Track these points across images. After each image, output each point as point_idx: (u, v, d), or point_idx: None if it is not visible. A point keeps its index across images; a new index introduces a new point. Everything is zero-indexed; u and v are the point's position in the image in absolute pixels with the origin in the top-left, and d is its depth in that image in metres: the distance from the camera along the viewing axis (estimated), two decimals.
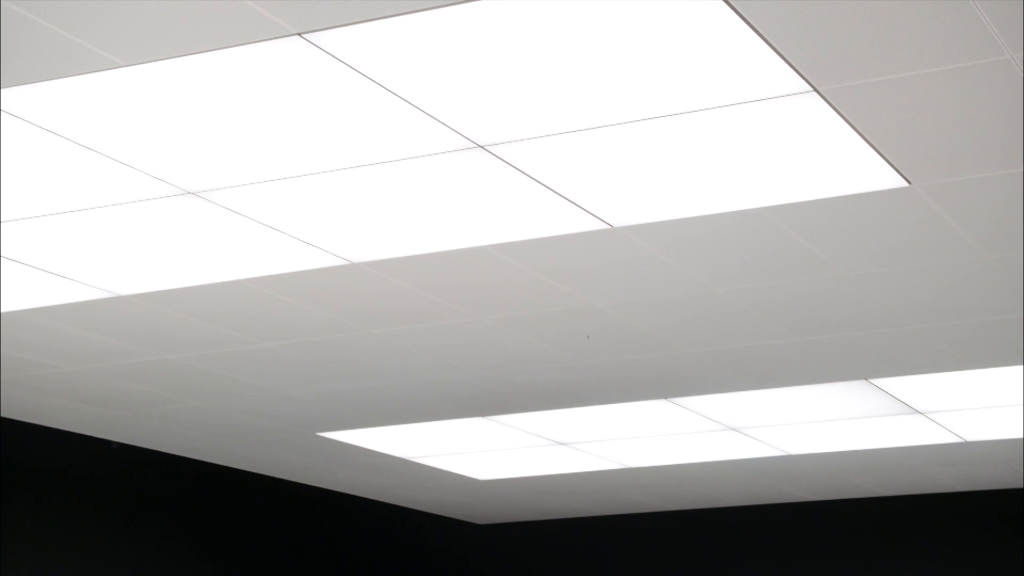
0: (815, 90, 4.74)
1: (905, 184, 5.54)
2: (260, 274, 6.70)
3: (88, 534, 10.13)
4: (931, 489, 11.91)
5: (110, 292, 6.96)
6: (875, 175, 5.45)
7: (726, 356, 8.08)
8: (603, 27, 4.32)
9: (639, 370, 8.38)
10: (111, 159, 5.34)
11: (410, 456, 10.70)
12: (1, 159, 5.33)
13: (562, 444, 10.30)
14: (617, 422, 9.67)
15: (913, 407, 9.15)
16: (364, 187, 5.62)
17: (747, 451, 10.43)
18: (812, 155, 5.27)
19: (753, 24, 4.30)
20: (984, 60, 4.54)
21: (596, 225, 6.05)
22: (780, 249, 6.32)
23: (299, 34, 4.40)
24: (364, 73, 4.63)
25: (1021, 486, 11.67)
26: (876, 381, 8.58)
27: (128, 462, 10.35)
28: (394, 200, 5.76)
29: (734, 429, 9.82)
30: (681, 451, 10.51)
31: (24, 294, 6.99)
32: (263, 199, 5.75)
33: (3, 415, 9.30)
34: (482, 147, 5.24)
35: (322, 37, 4.41)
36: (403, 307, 7.20)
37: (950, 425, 9.58)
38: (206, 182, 5.58)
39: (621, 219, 5.97)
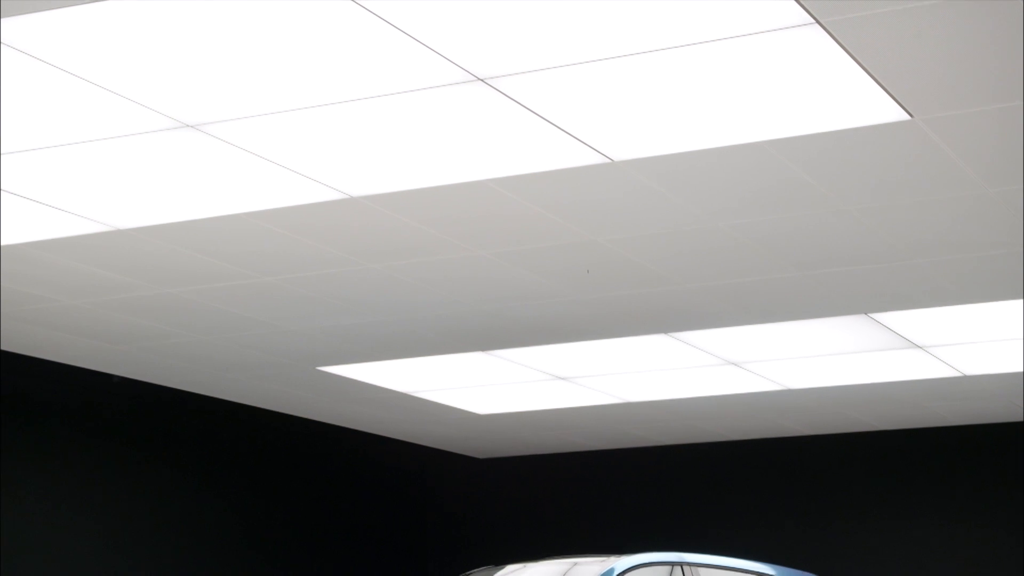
0: (817, 22, 4.71)
1: (907, 117, 5.52)
2: (259, 208, 6.69)
3: (89, 467, 10.17)
4: (930, 423, 11.95)
5: (110, 226, 6.95)
6: (877, 108, 5.43)
7: (726, 290, 8.09)
8: None
9: (639, 305, 8.39)
10: (110, 92, 5.32)
11: (410, 390, 10.73)
12: (1, 92, 5.32)
13: (562, 379, 10.32)
14: (617, 357, 9.69)
15: (913, 341, 9.17)
16: (364, 120, 5.60)
17: (747, 385, 10.46)
18: (814, 88, 5.25)
19: None
20: None
21: (596, 159, 6.03)
22: (781, 183, 6.30)
23: None
24: (364, 5, 4.60)
25: (1020, 419, 11.71)
26: (876, 315, 8.59)
27: (129, 395, 10.38)
28: (394, 134, 5.75)
29: (734, 363, 9.84)
30: (681, 385, 10.53)
31: (24, 227, 6.98)
32: (262, 132, 5.73)
33: (4, 348, 9.32)
34: (482, 80, 5.22)
35: None
36: (403, 241, 7.20)
37: (949, 359, 9.60)
38: (205, 115, 5.56)
39: (621, 153, 5.95)
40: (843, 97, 5.32)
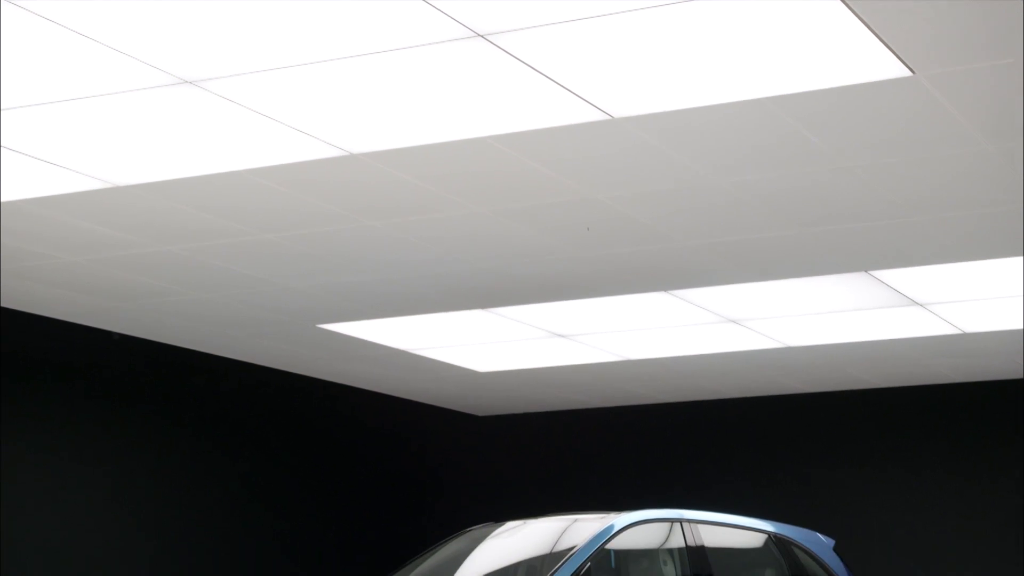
0: None
1: (908, 74, 5.50)
2: (259, 165, 6.68)
3: (89, 423, 10.19)
4: (930, 380, 11.97)
5: (109, 183, 6.94)
6: (878, 65, 5.41)
7: (726, 248, 8.08)
8: None
9: (639, 262, 8.39)
10: (109, 47, 5.30)
11: (410, 348, 10.74)
12: (1, 47, 5.30)
13: (561, 336, 10.33)
14: (616, 314, 9.69)
15: (912, 299, 9.17)
16: (363, 77, 5.58)
17: (746, 343, 10.47)
18: (815, 44, 5.23)
19: None
20: None
21: (596, 116, 6.01)
22: (782, 140, 6.29)
23: None
24: None
25: (1019, 376, 11.72)
26: (876, 273, 8.58)
27: (129, 353, 10.39)
28: (393, 90, 5.73)
29: (734, 321, 9.85)
30: (680, 343, 10.54)
31: (23, 184, 6.97)
32: (262, 88, 5.72)
33: (4, 305, 9.32)
34: (482, 36, 5.20)
35: None
36: (403, 199, 7.19)
37: (949, 317, 9.60)
38: (204, 71, 5.54)
39: (621, 110, 5.94)
40: (845, 53, 5.30)
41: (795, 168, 6.67)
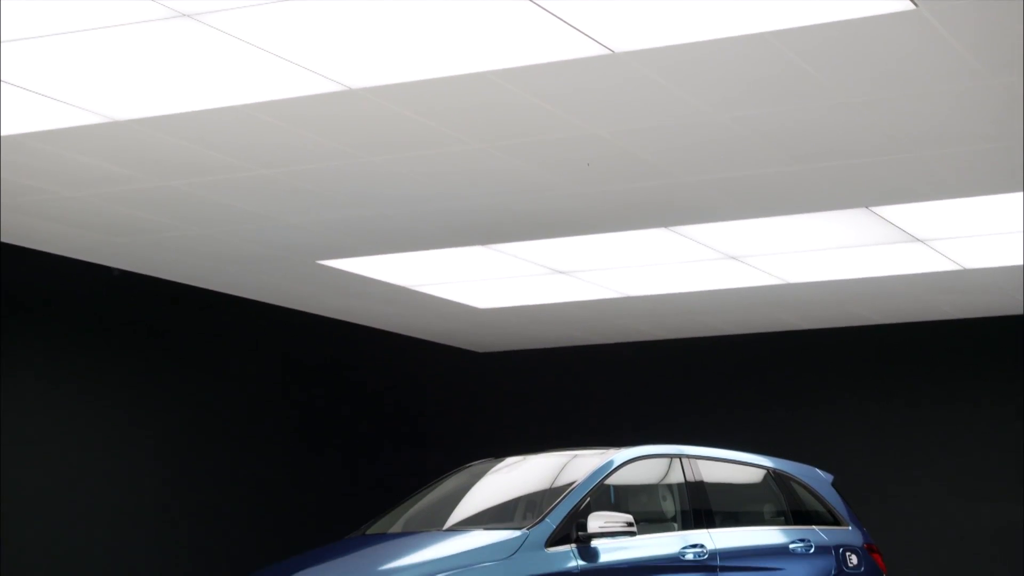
0: None
1: (911, 7, 5.47)
2: (258, 100, 6.66)
3: (89, 359, 10.21)
4: (930, 316, 11.97)
5: (107, 117, 6.92)
6: None
7: (727, 184, 8.07)
8: None
9: (639, 198, 8.37)
10: None
11: (410, 284, 10.74)
12: None
13: (562, 273, 10.33)
14: (617, 251, 9.69)
15: (913, 235, 9.16)
16: (362, 10, 5.55)
17: (747, 279, 10.47)
18: None
19: None
20: None
21: (597, 51, 5.99)
22: (782, 75, 6.26)
23: None
24: None
25: (1019, 312, 11.73)
26: (876, 209, 8.57)
27: (129, 288, 10.39)
28: (392, 24, 5.70)
29: (734, 258, 9.84)
30: (680, 280, 10.54)
31: (21, 118, 6.95)
32: (260, 22, 5.69)
33: (4, 241, 9.31)
34: None
35: None
36: (402, 134, 7.17)
37: (949, 253, 9.60)
38: (201, 4, 5.51)
39: (622, 44, 5.91)
40: None
41: (796, 103, 6.65)
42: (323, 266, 10.11)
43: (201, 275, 10.41)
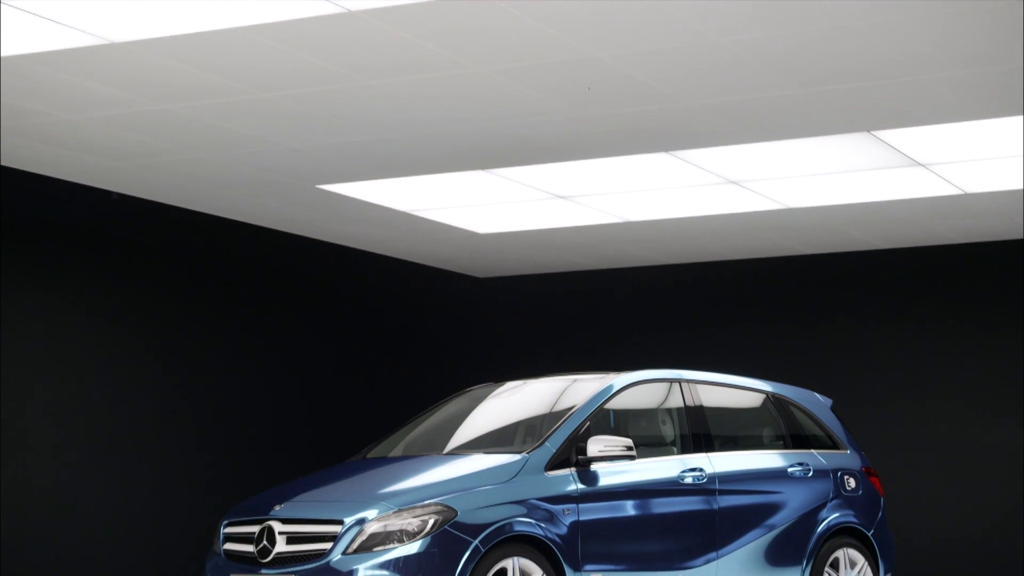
0: None
1: None
2: (257, 22, 6.62)
3: (87, 283, 10.21)
4: (931, 241, 11.96)
5: (105, 39, 6.88)
6: None
7: (728, 108, 8.04)
8: None
9: (640, 122, 8.34)
10: None
11: (410, 209, 10.72)
12: None
13: (562, 198, 10.31)
14: (617, 175, 9.66)
15: (914, 159, 9.14)
16: None
17: (747, 204, 10.45)
18: None
19: None
20: None
21: None
22: None
23: None
24: None
25: (1019, 237, 11.72)
26: (878, 133, 8.55)
27: (128, 213, 10.37)
28: None
29: (734, 182, 9.82)
30: (681, 205, 10.52)
31: (19, 40, 6.91)
32: None
33: (3, 164, 9.29)
34: None
35: None
36: (402, 57, 7.14)
37: (951, 177, 9.58)
38: None
39: None
40: None
41: (797, 26, 6.61)
42: (323, 190, 10.09)
43: (200, 199, 10.39)
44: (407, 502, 7.04)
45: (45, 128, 8.43)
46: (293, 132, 8.55)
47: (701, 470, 8.12)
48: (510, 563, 7.12)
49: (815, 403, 9.24)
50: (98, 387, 10.16)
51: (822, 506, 8.67)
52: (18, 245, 9.63)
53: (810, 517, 8.59)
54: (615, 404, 8.07)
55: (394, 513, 6.98)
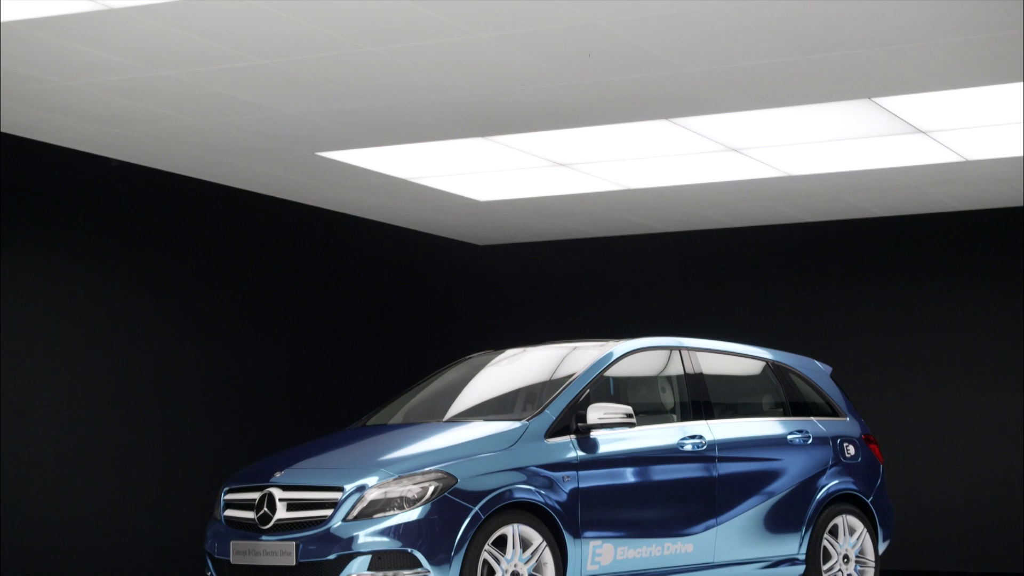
0: None
1: None
2: None
3: (87, 250, 10.20)
4: (931, 209, 11.96)
5: (104, 5, 6.85)
6: None
7: (728, 75, 8.02)
8: None
9: (640, 89, 8.33)
10: None
11: (410, 177, 10.71)
12: None
13: (562, 165, 10.30)
14: (617, 143, 9.65)
15: (915, 126, 9.12)
16: None
17: (748, 172, 10.44)
18: None
19: None
20: None
21: None
22: None
23: None
24: None
25: (1019, 204, 11.71)
26: (879, 100, 8.53)
27: (127, 180, 10.36)
28: None
29: (735, 150, 9.81)
30: (681, 172, 10.51)
31: (18, 6, 6.89)
32: None
33: (3, 131, 9.27)
34: None
35: None
36: (402, 23, 7.11)
37: (951, 144, 9.57)
38: None
39: None
40: None
41: None
42: (322, 158, 10.07)
43: (199, 166, 10.37)
44: (407, 469, 7.05)
45: (44, 94, 8.41)
46: (292, 99, 8.53)
47: (701, 437, 8.13)
48: (510, 530, 7.14)
49: (815, 370, 9.25)
50: (96, 353, 10.16)
51: (821, 473, 8.69)
52: (17, 212, 9.61)
53: (809, 484, 8.60)
54: (615, 372, 8.08)
55: (394, 480, 6.99)
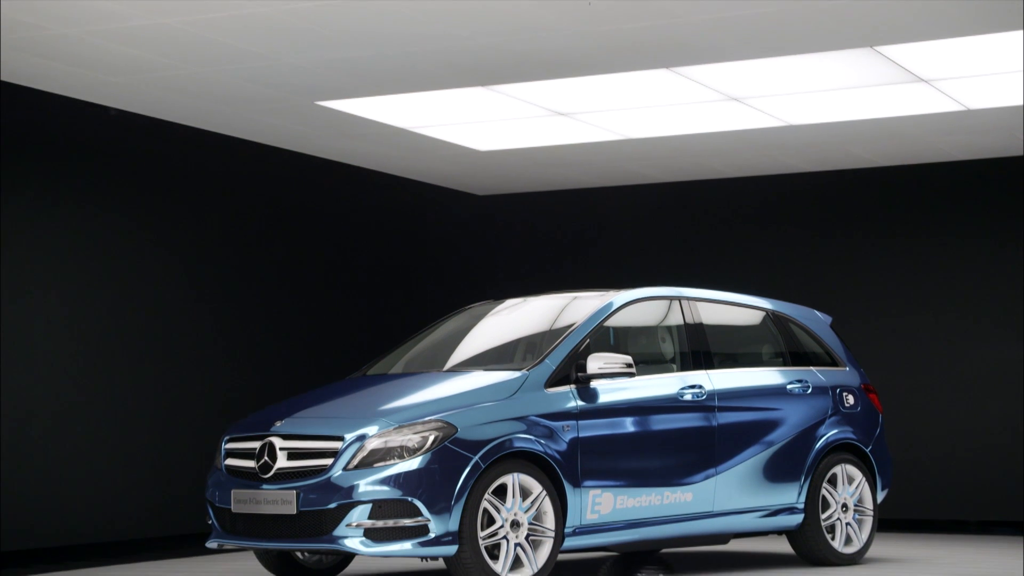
0: None
1: None
2: None
3: (86, 199, 10.19)
4: (932, 159, 11.93)
5: None
6: None
7: (729, 23, 7.98)
8: None
9: (641, 38, 8.29)
10: None
11: (409, 126, 10.68)
12: None
13: (563, 115, 10.27)
14: (618, 92, 9.62)
15: (917, 75, 9.09)
16: None
17: (749, 121, 10.41)
18: None
19: None
20: None
21: None
22: None
23: None
24: None
25: (1020, 153, 11.68)
26: (880, 48, 8.50)
27: (126, 128, 10.33)
28: None
29: (736, 99, 9.78)
30: (682, 122, 10.48)
31: None
32: None
33: (3, 79, 9.24)
34: None
35: None
36: None
37: (953, 93, 9.54)
38: None
39: None
40: None
41: None
42: (322, 107, 10.04)
43: (198, 115, 10.34)
44: (407, 418, 7.08)
45: (42, 42, 8.37)
46: (291, 47, 8.50)
47: (700, 387, 8.15)
48: (510, 479, 7.17)
49: (814, 320, 9.26)
50: (96, 301, 10.16)
51: (821, 422, 8.71)
52: (15, 160, 9.59)
53: (808, 433, 8.63)
54: (615, 321, 8.09)
55: (394, 429, 7.01)
